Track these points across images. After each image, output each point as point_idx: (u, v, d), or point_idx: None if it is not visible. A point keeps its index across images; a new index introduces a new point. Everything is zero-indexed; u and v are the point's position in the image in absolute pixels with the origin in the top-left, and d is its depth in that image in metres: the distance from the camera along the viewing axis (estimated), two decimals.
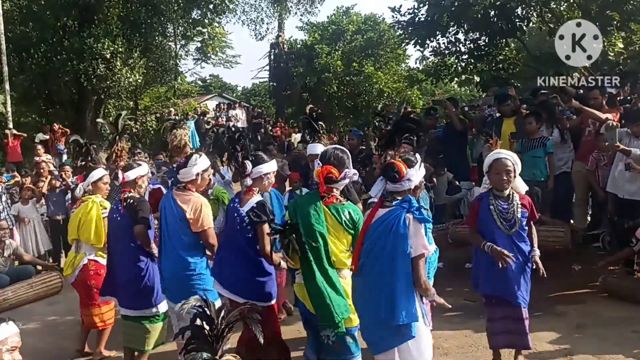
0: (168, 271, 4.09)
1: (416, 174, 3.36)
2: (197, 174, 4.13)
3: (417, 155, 3.55)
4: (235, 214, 3.88)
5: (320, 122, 5.51)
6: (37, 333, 5.63)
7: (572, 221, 7.08)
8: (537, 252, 3.99)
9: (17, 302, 6.54)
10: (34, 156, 11.18)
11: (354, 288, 3.40)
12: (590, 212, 7.41)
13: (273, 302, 3.95)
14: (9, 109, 14.52)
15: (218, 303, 3.95)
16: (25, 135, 14.13)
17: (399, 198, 3.27)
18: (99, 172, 5.06)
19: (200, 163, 4.14)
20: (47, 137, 14.24)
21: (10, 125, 14.20)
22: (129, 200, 4.37)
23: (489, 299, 4.15)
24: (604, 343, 4.68)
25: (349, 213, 3.49)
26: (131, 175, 4.52)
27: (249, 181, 3.88)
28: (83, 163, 5.47)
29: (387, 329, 3.16)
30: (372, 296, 3.22)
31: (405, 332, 3.14)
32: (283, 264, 3.80)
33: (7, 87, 14.33)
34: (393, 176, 3.26)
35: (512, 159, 3.94)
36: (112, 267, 4.56)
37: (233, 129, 5.79)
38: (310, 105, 6.50)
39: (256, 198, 3.85)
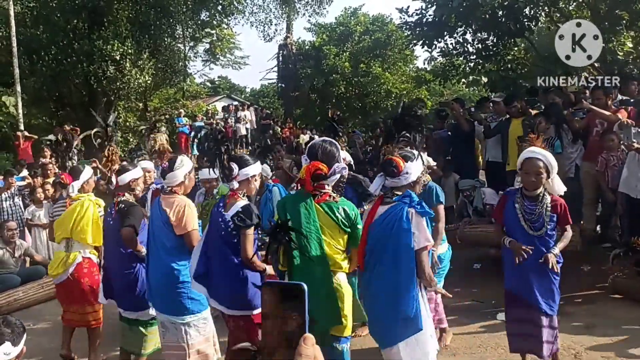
0: (153, 279, 3.96)
1: (415, 168, 3.36)
2: (185, 176, 4.02)
3: (415, 151, 3.52)
4: (220, 219, 3.65)
5: (341, 125, 5.41)
6: (48, 333, 5.67)
7: (581, 222, 7.06)
8: (555, 251, 3.76)
9: (27, 303, 6.58)
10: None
11: (362, 284, 3.37)
12: (599, 213, 7.38)
13: (257, 311, 3.54)
14: (20, 110, 14.66)
15: (207, 313, 3.93)
16: (36, 137, 14.22)
17: (399, 193, 3.30)
18: (89, 171, 5.07)
19: (186, 165, 4.03)
20: (55, 137, 14.34)
21: (22, 127, 14.33)
22: (121, 205, 4.39)
23: (509, 297, 4.04)
24: (613, 344, 4.67)
25: (344, 210, 3.27)
26: (125, 178, 4.56)
27: (235, 184, 3.70)
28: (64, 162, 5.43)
29: (395, 321, 3.20)
30: (380, 290, 3.24)
31: (412, 324, 3.19)
32: (269, 270, 3.53)
33: (19, 89, 14.47)
34: (392, 171, 3.27)
35: (546, 160, 3.72)
36: (107, 271, 4.57)
37: (217, 130, 5.64)
38: (333, 109, 6.54)
39: (242, 202, 3.64)
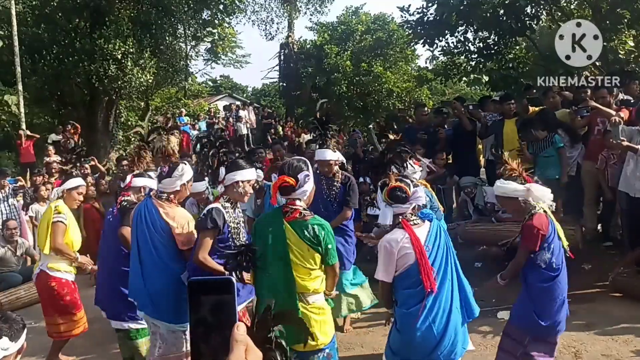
0: (155, 285, 3.82)
1: (421, 192, 3.43)
2: (182, 185, 3.94)
3: (407, 181, 3.49)
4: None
5: (330, 125, 5.22)
6: None
7: (582, 220, 7.06)
8: (499, 280, 3.72)
9: (29, 301, 6.61)
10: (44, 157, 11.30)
11: (430, 311, 3.19)
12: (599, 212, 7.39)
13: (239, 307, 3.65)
14: (22, 110, 14.69)
15: None
16: (38, 136, 14.28)
17: (413, 215, 3.35)
18: (76, 181, 4.89)
19: (186, 174, 3.95)
20: (60, 137, 14.39)
21: (24, 126, 14.37)
22: (123, 203, 4.38)
23: None
24: (614, 342, 4.68)
25: (313, 229, 3.22)
26: (139, 182, 4.55)
27: (220, 188, 3.63)
28: (70, 167, 5.32)
29: (461, 332, 3.31)
30: (452, 306, 3.26)
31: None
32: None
33: (20, 88, 14.50)
34: (402, 197, 3.30)
35: (501, 193, 3.69)
36: (101, 274, 4.54)
37: (216, 135, 5.41)
38: (322, 100, 6.36)
39: (212, 205, 3.59)
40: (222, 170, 3.64)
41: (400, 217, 3.30)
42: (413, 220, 3.31)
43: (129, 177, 4.52)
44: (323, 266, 3.34)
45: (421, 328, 3.18)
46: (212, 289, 0.98)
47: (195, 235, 3.76)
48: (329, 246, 3.27)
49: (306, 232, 3.22)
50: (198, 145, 4.33)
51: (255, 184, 5.55)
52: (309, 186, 3.35)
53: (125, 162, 7.14)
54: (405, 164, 4.00)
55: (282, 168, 3.36)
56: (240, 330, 0.96)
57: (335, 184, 5.06)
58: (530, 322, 3.60)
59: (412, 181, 3.55)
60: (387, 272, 3.26)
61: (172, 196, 3.91)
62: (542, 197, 3.62)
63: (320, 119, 5.25)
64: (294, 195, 3.28)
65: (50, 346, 4.91)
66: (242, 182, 3.65)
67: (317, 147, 5.10)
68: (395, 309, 3.37)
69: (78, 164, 5.29)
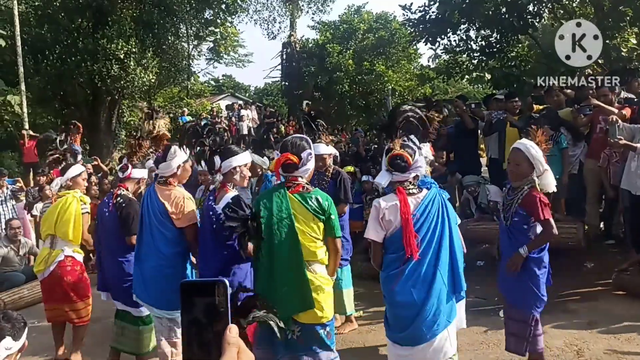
0: (149, 270, 3.91)
1: (422, 161, 3.42)
2: (178, 167, 4.00)
3: (412, 143, 3.52)
4: (211, 212, 3.64)
5: (319, 120, 5.26)
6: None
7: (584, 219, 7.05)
8: (521, 252, 3.68)
9: (32, 300, 6.62)
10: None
11: (408, 277, 3.25)
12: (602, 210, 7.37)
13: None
14: (25, 110, 14.71)
15: None
16: (40, 136, 14.29)
17: (412, 184, 3.36)
18: (78, 168, 4.99)
19: (180, 155, 4.02)
20: (63, 137, 14.41)
21: (27, 126, 14.39)
22: (119, 199, 4.42)
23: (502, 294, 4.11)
24: (616, 340, 4.66)
25: (317, 199, 3.36)
26: (138, 174, 4.63)
27: (219, 177, 3.67)
28: (56, 157, 5.34)
29: (447, 304, 3.30)
30: (436, 275, 3.26)
31: (459, 298, 3.42)
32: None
33: (23, 88, 14.52)
34: (402, 166, 3.31)
35: (528, 152, 3.65)
36: (102, 261, 4.60)
37: (202, 125, 5.40)
38: (306, 101, 6.40)
39: (231, 193, 3.61)
40: (217, 158, 3.65)
41: (398, 184, 3.34)
42: (410, 188, 3.33)
43: (129, 169, 4.55)
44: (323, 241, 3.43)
45: (400, 292, 3.27)
46: (204, 291, 0.98)
47: (194, 212, 3.86)
48: (332, 216, 3.38)
49: (310, 202, 3.34)
50: (186, 136, 4.35)
51: (260, 170, 5.58)
52: (311, 164, 3.46)
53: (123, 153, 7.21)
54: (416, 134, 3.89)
55: (285, 146, 3.43)
56: (232, 333, 0.96)
57: (325, 178, 5.06)
58: (533, 297, 3.72)
59: (419, 148, 3.53)
60: (375, 231, 3.33)
61: (170, 179, 3.99)
62: (546, 185, 3.71)
63: (309, 114, 5.31)
64: (297, 173, 3.38)
65: (51, 344, 4.92)
66: (239, 166, 3.68)
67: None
68: (380, 273, 3.46)
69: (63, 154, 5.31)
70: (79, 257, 4.86)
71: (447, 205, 3.40)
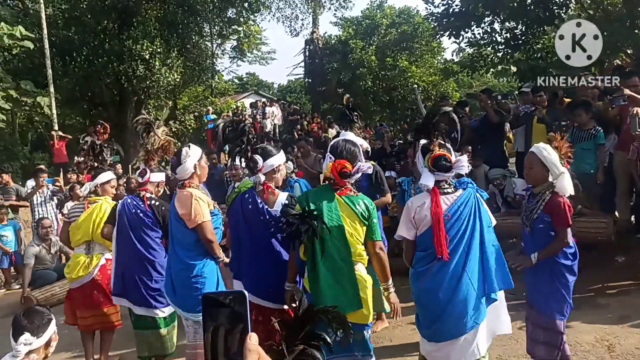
0: (175, 274, 3.96)
1: (465, 160, 3.38)
2: (194, 166, 3.96)
3: (448, 147, 3.47)
4: (262, 217, 3.68)
5: (356, 112, 5.31)
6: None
7: (616, 213, 6.92)
8: (532, 259, 3.61)
9: (64, 298, 6.76)
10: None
11: (435, 275, 3.27)
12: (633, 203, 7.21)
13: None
14: (54, 111, 15.00)
15: None
16: (70, 136, 14.57)
17: (448, 183, 3.37)
18: (108, 175, 5.09)
19: (193, 154, 3.97)
20: (92, 138, 14.64)
21: (56, 127, 14.67)
22: (152, 201, 4.50)
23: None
24: None
25: (364, 204, 3.40)
26: (156, 178, 4.69)
27: (261, 177, 3.70)
28: (93, 164, 5.42)
29: (474, 305, 3.25)
30: (463, 276, 3.24)
31: (490, 301, 3.34)
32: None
33: (52, 89, 14.80)
34: (446, 166, 3.30)
35: (541, 155, 3.58)
36: (119, 265, 4.56)
37: (235, 123, 5.46)
38: (347, 95, 6.41)
39: (283, 195, 3.72)
40: (259, 158, 3.69)
41: (435, 183, 3.33)
42: (445, 188, 3.34)
43: (148, 173, 4.61)
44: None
45: (425, 289, 3.33)
46: (225, 303, 1.04)
47: (203, 211, 3.81)
48: (375, 220, 3.43)
49: (357, 206, 3.38)
50: (225, 132, 4.36)
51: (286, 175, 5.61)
52: (360, 174, 3.53)
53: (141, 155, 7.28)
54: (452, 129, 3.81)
55: (340, 152, 3.44)
56: (252, 340, 1.01)
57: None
58: (563, 304, 3.65)
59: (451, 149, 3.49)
60: (407, 229, 3.40)
61: (187, 182, 3.97)
62: (563, 188, 3.58)
63: (347, 105, 5.46)
64: (348, 180, 3.43)
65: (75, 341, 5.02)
66: (279, 165, 3.80)
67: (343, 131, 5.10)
68: (410, 269, 3.51)
69: (102, 162, 5.39)
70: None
71: (480, 207, 3.36)
